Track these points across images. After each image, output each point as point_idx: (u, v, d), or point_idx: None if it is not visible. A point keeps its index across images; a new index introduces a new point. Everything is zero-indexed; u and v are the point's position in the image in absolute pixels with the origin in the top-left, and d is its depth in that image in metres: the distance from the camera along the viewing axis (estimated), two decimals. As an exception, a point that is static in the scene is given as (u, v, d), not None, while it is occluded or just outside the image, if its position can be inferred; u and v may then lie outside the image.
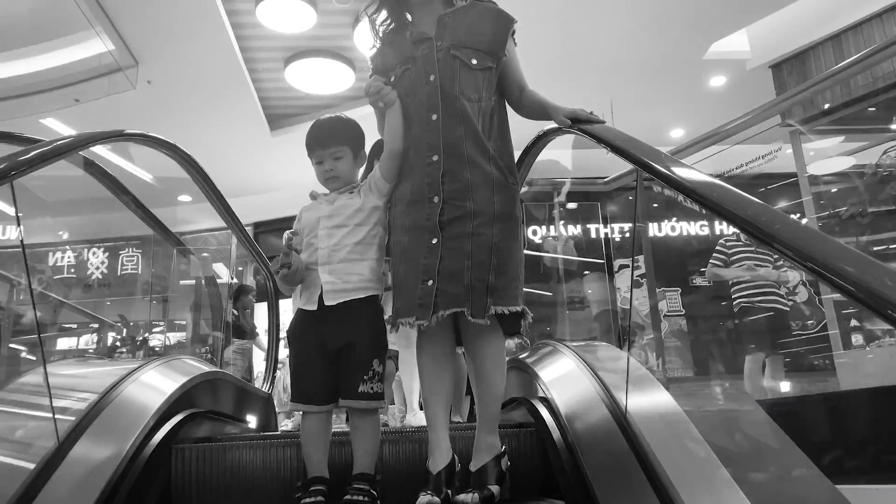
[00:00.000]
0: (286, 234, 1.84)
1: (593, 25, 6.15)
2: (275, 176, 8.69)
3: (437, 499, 1.63)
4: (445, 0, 1.87)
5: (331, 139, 1.92)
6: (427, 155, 1.75)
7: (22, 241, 2.33)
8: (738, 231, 5.04)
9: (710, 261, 4.93)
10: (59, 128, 7.48)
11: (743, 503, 1.32)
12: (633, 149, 1.50)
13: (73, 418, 1.56)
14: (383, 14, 1.91)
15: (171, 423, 1.90)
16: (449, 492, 1.69)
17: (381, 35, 1.95)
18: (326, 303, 1.78)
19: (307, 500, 1.69)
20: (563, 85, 5.83)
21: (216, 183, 3.30)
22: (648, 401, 1.56)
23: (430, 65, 1.78)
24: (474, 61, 1.77)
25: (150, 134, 2.36)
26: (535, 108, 1.88)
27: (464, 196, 1.71)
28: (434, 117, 1.75)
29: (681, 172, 1.30)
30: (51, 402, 1.48)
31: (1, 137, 2.47)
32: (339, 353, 1.80)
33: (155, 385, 1.98)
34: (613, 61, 6.72)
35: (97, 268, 9.89)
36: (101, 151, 6.62)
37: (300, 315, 1.85)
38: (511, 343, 1.67)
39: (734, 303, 4.78)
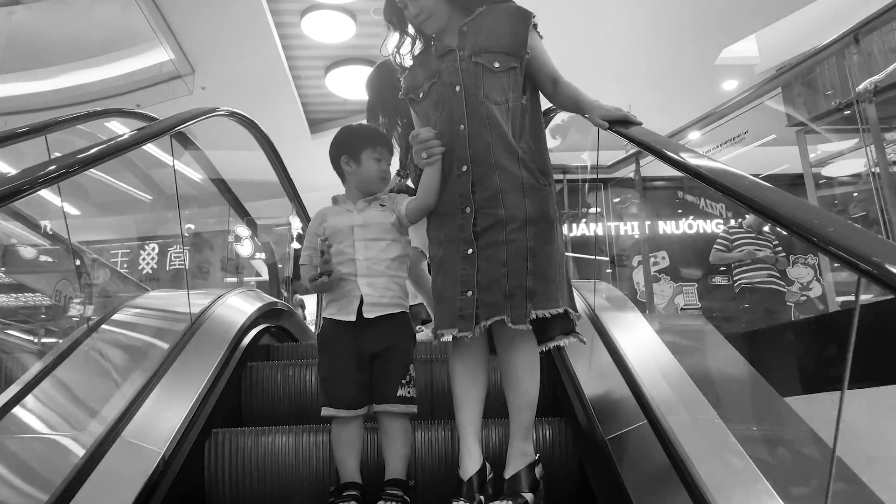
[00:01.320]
0: (322, 241, 1.82)
1: (610, 33, 6.67)
2: (313, 176, 9.30)
3: None
4: (464, 9, 1.85)
5: (391, 147, 2.00)
6: (457, 166, 1.75)
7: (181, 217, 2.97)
8: (741, 220, 5.47)
9: (714, 246, 5.37)
10: (120, 130, 8.23)
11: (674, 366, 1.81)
12: (672, 150, 1.49)
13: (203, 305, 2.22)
14: (407, 41, 1.94)
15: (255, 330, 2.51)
16: (482, 498, 1.68)
17: (412, 58, 1.96)
18: (366, 315, 1.79)
19: None
20: (582, 87, 6.31)
21: (260, 181, 3.95)
22: (611, 304, 2.07)
23: (454, 76, 1.78)
24: (496, 64, 1.76)
25: (237, 111, 3.03)
26: (569, 103, 1.86)
27: (495, 203, 1.71)
28: (461, 127, 1.75)
29: (728, 180, 1.26)
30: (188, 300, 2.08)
31: (136, 116, 3.18)
32: (374, 357, 1.81)
33: (244, 303, 2.60)
34: (631, 67, 7.20)
35: (147, 263, 10.67)
36: (152, 150, 7.35)
37: (333, 323, 1.84)
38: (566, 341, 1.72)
39: (735, 284, 5.20)
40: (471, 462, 1.71)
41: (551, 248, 1.72)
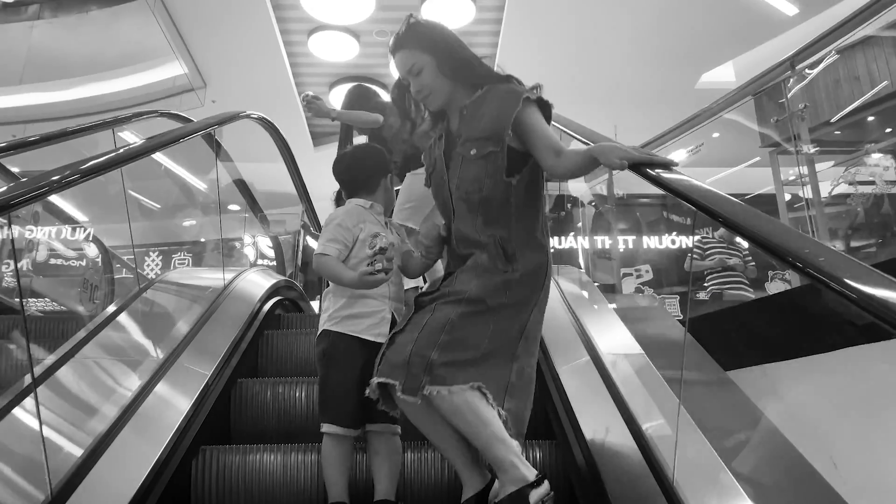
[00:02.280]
0: (384, 239, 1.83)
1: (597, 58, 7.15)
2: (314, 185, 9.79)
3: None
4: (469, 86, 1.81)
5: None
6: (454, 247, 1.80)
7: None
8: (712, 230, 5.90)
9: (689, 255, 5.77)
10: (132, 139, 8.66)
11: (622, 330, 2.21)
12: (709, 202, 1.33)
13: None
14: (428, 122, 1.91)
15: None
16: None
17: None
18: None
19: None
20: (572, 108, 6.80)
21: (264, 190, 4.40)
22: (577, 285, 2.48)
23: (441, 163, 1.81)
24: (473, 151, 1.73)
25: (256, 114, 3.46)
26: (575, 167, 1.69)
27: (452, 280, 1.72)
28: (451, 216, 1.78)
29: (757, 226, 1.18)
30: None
31: (171, 116, 3.69)
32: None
33: (262, 279, 3.03)
34: (617, 88, 7.69)
35: (151, 269, 11.04)
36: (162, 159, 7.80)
37: (349, 340, 1.79)
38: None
39: (706, 290, 5.60)
40: (468, 486, 1.69)
41: (481, 330, 1.61)
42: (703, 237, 5.84)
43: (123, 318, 2.09)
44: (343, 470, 1.75)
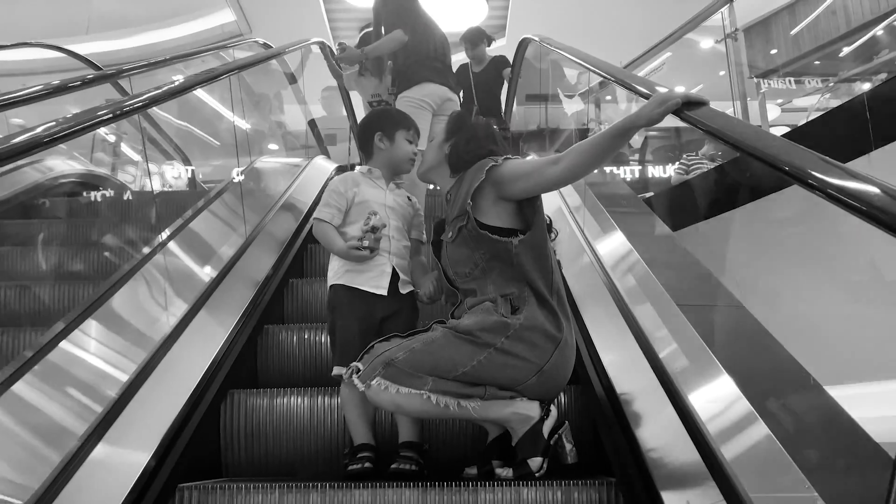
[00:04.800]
0: (378, 219, 1.87)
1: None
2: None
3: (473, 471, 1.69)
4: (452, 166, 1.82)
5: (419, 131, 2.11)
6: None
7: None
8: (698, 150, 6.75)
9: (675, 170, 6.66)
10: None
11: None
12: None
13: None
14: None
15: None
16: (497, 462, 1.67)
17: None
18: (402, 291, 1.92)
19: (354, 466, 1.70)
20: (578, 45, 7.67)
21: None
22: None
23: (432, 253, 1.90)
24: (450, 234, 1.74)
25: (325, 42, 4.45)
26: (590, 152, 1.58)
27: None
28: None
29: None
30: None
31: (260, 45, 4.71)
32: (384, 321, 1.88)
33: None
34: (620, 28, 8.43)
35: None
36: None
37: (352, 292, 1.88)
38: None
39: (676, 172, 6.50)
40: (490, 430, 1.75)
41: (462, 357, 1.54)
42: (687, 155, 6.70)
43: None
44: (362, 412, 1.78)
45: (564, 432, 1.62)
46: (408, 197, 2.08)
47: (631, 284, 1.92)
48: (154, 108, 3.07)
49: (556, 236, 1.82)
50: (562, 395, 1.94)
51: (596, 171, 1.82)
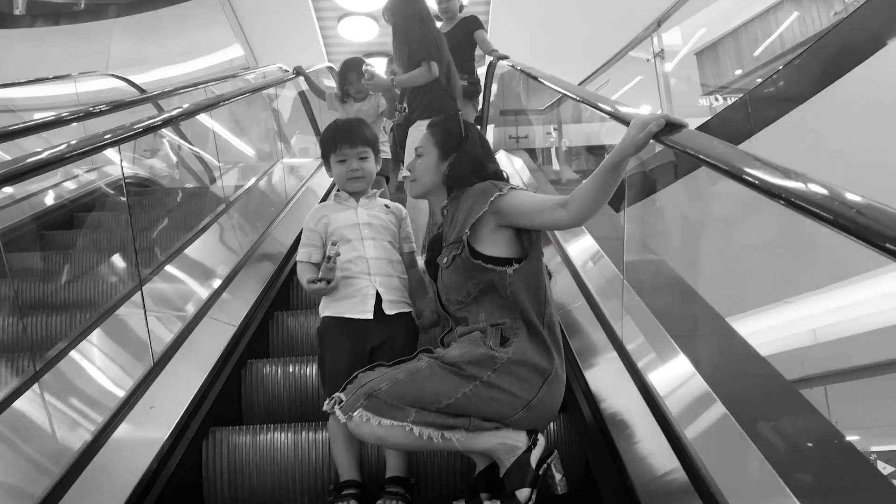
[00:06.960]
0: (333, 248, 1.81)
1: (565, 28, 8.93)
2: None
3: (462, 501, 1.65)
4: (450, 189, 1.79)
5: (357, 139, 1.96)
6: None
7: None
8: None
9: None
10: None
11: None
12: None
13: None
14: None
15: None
16: (485, 496, 1.63)
17: None
18: (388, 312, 1.84)
19: None
20: (544, 65, 8.72)
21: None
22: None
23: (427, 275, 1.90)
24: (445, 261, 1.69)
25: (332, 66, 5.37)
26: (592, 196, 1.52)
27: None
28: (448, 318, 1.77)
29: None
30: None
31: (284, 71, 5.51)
32: (374, 351, 1.82)
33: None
34: (583, 54, 9.45)
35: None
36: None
37: (338, 321, 1.84)
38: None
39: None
40: (478, 462, 1.70)
41: (448, 388, 1.52)
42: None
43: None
44: (350, 447, 1.75)
45: (553, 461, 1.59)
46: (385, 205, 2.05)
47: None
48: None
49: (553, 281, 1.80)
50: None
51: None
